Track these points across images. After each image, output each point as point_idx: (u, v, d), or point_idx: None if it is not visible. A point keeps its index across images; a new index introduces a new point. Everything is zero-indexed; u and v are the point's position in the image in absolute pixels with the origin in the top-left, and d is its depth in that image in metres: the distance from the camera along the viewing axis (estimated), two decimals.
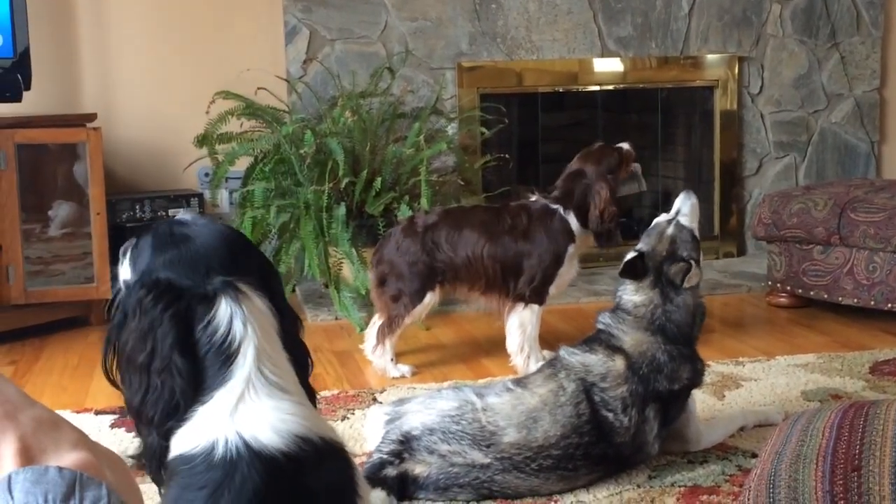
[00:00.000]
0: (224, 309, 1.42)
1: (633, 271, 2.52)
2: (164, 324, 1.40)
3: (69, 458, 1.18)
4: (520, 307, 3.44)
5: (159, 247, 1.49)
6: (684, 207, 2.62)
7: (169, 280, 1.44)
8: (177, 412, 1.39)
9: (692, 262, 2.51)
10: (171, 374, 1.39)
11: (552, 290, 3.48)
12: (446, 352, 3.77)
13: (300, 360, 1.52)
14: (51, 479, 1.13)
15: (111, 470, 1.25)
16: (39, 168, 4.31)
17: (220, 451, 1.34)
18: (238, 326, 1.41)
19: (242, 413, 1.37)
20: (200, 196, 4.67)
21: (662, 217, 2.63)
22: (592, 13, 5.12)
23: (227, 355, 1.40)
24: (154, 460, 1.44)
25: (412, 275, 3.40)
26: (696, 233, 2.61)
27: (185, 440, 1.37)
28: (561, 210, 3.45)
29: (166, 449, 1.40)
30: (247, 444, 1.33)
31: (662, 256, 2.53)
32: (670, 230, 2.56)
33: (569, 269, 3.49)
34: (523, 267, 3.42)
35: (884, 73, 5.56)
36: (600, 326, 2.55)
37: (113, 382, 1.49)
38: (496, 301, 3.49)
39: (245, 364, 1.40)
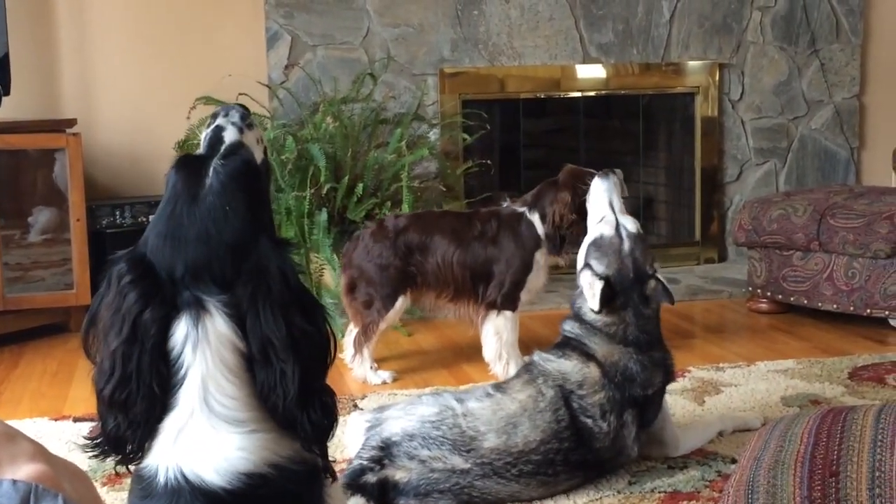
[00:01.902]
0: (181, 329, 1.37)
1: (608, 299, 2.44)
2: (143, 321, 1.37)
3: (25, 471, 1.17)
4: (493, 315, 3.43)
5: (170, 202, 1.43)
6: (614, 198, 2.55)
7: (151, 267, 1.40)
8: (146, 416, 1.37)
9: (657, 273, 2.48)
10: (147, 376, 1.37)
11: (524, 296, 3.46)
12: (428, 357, 3.77)
13: (293, 377, 1.39)
14: (4, 493, 1.12)
15: (71, 482, 1.24)
16: (19, 174, 4.29)
17: (161, 479, 1.34)
18: (188, 352, 1.36)
19: (184, 444, 1.35)
20: None
21: (605, 227, 2.52)
22: (574, 20, 5.13)
23: (175, 379, 1.36)
24: (113, 448, 1.41)
25: (384, 279, 3.39)
26: (637, 226, 2.53)
27: (148, 455, 1.37)
28: (528, 215, 3.44)
29: (126, 439, 1.38)
30: (186, 478, 1.32)
31: (630, 279, 2.46)
32: (626, 247, 2.48)
33: (539, 275, 3.46)
34: (493, 273, 3.41)
35: (863, 80, 5.59)
36: (568, 334, 2.52)
37: (88, 352, 1.46)
38: (464, 308, 3.47)
39: (189, 394, 1.36)
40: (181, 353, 1.36)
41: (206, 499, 1.31)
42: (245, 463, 1.34)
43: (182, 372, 1.36)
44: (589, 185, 3.32)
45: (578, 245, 3.45)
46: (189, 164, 1.46)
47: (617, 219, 2.53)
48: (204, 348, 1.36)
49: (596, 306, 2.43)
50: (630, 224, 2.53)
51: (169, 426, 1.36)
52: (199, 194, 1.42)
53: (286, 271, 1.41)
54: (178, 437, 1.35)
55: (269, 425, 1.39)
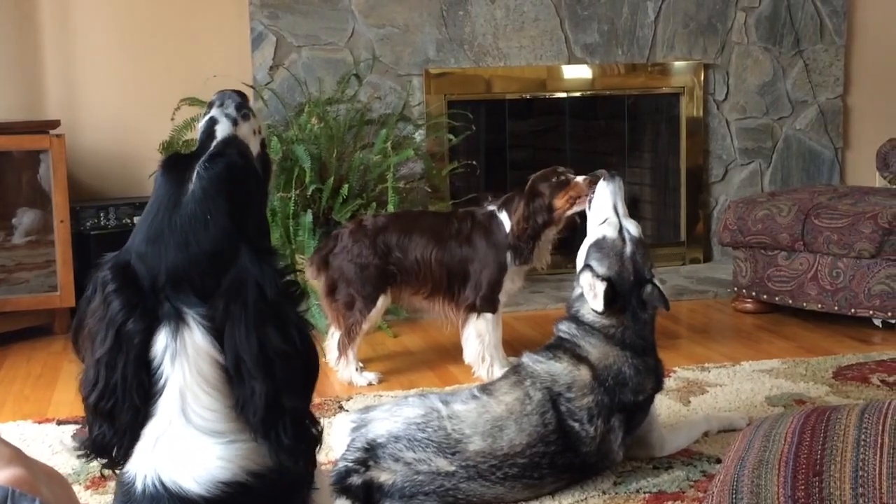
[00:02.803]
0: (161, 340, 1.36)
1: (611, 301, 2.43)
2: (126, 331, 1.35)
3: (2, 475, 1.16)
4: (473, 317, 3.43)
5: (154, 206, 1.40)
6: (618, 201, 2.55)
7: (135, 275, 1.38)
8: (131, 424, 1.37)
9: (654, 279, 2.48)
10: (130, 386, 1.36)
11: (502, 297, 3.45)
12: (413, 359, 3.77)
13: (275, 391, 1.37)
14: None
15: (48, 486, 1.23)
16: (2, 175, 4.27)
17: (139, 485, 1.34)
18: (167, 363, 1.35)
19: (162, 452, 1.34)
20: None
21: (608, 229, 2.52)
22: (559, 20, 5.13)
23: (155, 389, 1.36)
24: (99, 453, 1.40)
25: (364, 278, 3.38)
26: (639, 230, 2.54)
27: (131, 460, 1.36)
28: (498, 215, 3.44)
29: (112, 446, 1.38)
30: (164, 485, 1.32)
31: (630, 282, 2.46)
32: (628, 250, 2.48)
33: (511, 280, 3.45)
34: (469, 272, 3.41)
35: (847, 81, 5.61)
36: (563, 335, 2.52)
37: (79, 354, 1.43)
38: (440, 305, 3.47)
39: (167, 404, 1.35)
40: (161, 363, 1.35)
41: None
42: (224, 472, 1.33)
43: (161, 382, 1.35)
44: (556, 182, 3.36)
45: (546, 255, 3.46)
46: (175, 166, 1.43)
47: (620, 222, 2.53)
48: (182, 360, 1.35)
49: (600, 307, 2.42)
50: (633, 228, 2.53)
51: (148, 434, 1.36)
52: (182, 200, 1.38)
53: (264, 285, 1.36)
54: (157, 444, 1.35)
55: (250, 435, 1.38)
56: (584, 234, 2.62)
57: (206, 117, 1.49)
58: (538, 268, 3.53)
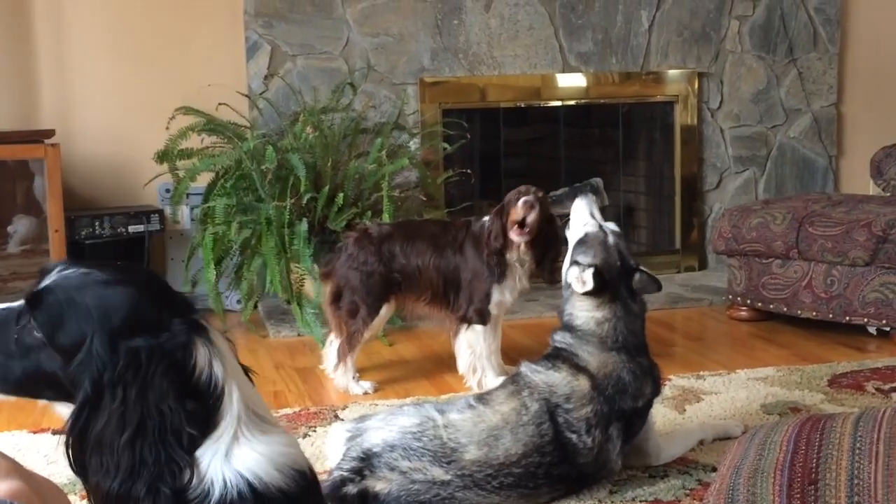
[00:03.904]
0: (202, 352, 1.32)
1: (599, 288, 2.46)
2: (156, 385, 1.28)
3: (0, 488, 1.16)
4: (464, 328, 3.43)
5: (105, 304, 1.32)
6: (595, 211, 2.59)
7: (141, 339, 1.30)
8: (175, 475, 1.29)
9: (640, 267, 2.52)
10: (174, 434, 1.29)
11: (493, 310, 3.43)
12: (409, 368, 3.77)
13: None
14: None
15: (46, 499, 1.23)
16: None
17: (216, 494, 1.28)
18: (218, 367, 1.33)
19: (240, 453, 1.31)
20: (161, 212, 4.64)
21: (590, 226, 2.55)
22: (553, 29, 5.15)
23: (214, 397, 1.32)
24: None
25: (368, 286, 3.39)
26: (619, 231, 2.58)
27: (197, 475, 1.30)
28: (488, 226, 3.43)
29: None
30: (250, 485, 1.28)
31: (618, 269, 2.50)
32: (611, 240, 2.52)
33: (502, 293, 3.41)
34: (460, 281, 3.42)
35: (841, 89, 5.63)
36: (559, 345, 2.52)
37: (80, 473, 1.33)
38: (439, 314, 3.48)
39: (233, 403, 1.33)
40: (210, 373, 1.32)
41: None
42: (298, 458, 1.34)
43: (220, 388, 1.32)
44: (499, 207, 3.34)
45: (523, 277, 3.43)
46: None
47: (599, 222, 2.57)
48: (227, 359, 1.35)
49: (590, 286, 2.43)
50: (612, 225, 2.58)
51: (217, 443, 1.31)
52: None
53: None
54: (231, 448, 1.31)
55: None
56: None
57: None
58: (521, 289, 3.47)
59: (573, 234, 2.61)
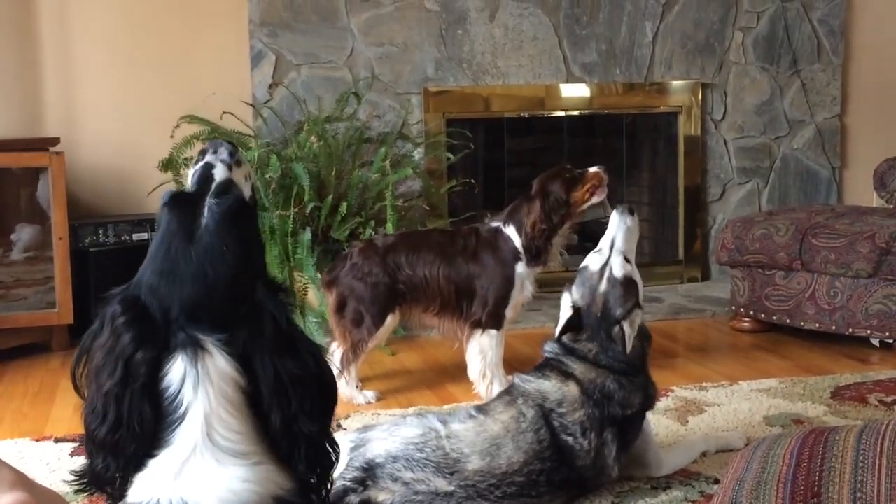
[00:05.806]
0: (178, 368, 1.38)
1: (571, 328, 2.52)
2: (134, 363, 1.37)
3: (6, 500, 1.16)
4: (478, 333, 3.43)
5: (165, 240, 1.43)
6: (618, 237, 2.56)
7: (146, 308, 1.40)
8: (135, 455, 1.37)
9: (624, 321, 2.47)
10: (137, 417, 1.36)
11: (509, 313, 3.46)
12: (412, 377, 3.77)
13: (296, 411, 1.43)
14: None
15: None
16: (2, 192, 4.28)
17: None
18: (188, 390, 1.37)
19: (187, 478, 1.34)
20: None
21: (595, 260, 2.56)
22: (558, 39, 5.16)
23: (174, 417, 1.37)
24: (99, 486, 1.41)
25: (374, 297, 3.39)
26: (633, 270, 2.54)
27: (136, 491, 1.35)
28: (504, 229, 3.45)
29: (114, 478, 1.38)
30: None
31: (597, 318, 2.50)
32: (602, 287, 2.51)
33: (521, 290, 3.46)
34: (475, 288, 3.42)
35: (844, 100, 5.63)
36: (548, 355, 2.55)
37: (78, 390, 1.45)
38: (449, 323, 3.48)
39: (192, 430, 1.36)
40: (178, 391, 1.37)
41: None
42: (251, 495, 1.34)
43: (182, 410, 1.36)
44: (565, 182, 3.47)
45: (558, 254, 3.50)
46: (182, 202, 1.46)
47: (609, 258, 2.55)
48: (206, 386, 1.37)
49: (556, 333, 2.55)
50: (617, 268, 2.53)
51: (169, 462, 1.36)
52: (196, 234, 1.42)
53: (277, 316, 1.43)
54: (181, 471, 1.35)
55: (273, 457, 1.41)
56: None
57: (201, 163, 1.53)
58: (554, 266, 3.58)
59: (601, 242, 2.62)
